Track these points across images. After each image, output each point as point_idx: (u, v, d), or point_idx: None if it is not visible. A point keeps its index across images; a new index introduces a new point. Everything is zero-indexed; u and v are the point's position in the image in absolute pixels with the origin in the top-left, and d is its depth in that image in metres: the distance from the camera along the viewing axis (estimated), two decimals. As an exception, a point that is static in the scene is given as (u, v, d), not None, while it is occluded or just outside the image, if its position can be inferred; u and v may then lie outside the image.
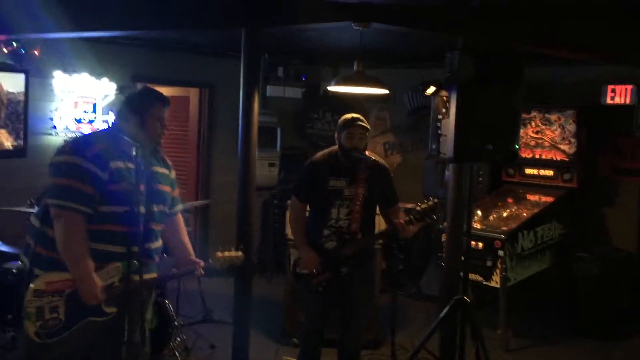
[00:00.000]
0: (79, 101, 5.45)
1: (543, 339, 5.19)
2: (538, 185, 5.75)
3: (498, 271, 4.93)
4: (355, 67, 4.40)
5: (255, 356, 4.02)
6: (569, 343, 5.15)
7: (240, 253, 3.03)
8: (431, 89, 4.09)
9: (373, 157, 3.68)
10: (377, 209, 3.78)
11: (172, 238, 3.05)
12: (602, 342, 5.13)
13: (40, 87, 5.31)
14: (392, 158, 7.08)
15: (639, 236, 5.58)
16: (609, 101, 5.50)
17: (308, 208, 3.81)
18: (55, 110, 5.38)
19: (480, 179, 5.83)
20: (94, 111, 5.53)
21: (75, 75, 5.39)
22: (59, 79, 5.32)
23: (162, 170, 2.94)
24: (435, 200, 3.64)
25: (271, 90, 6.69)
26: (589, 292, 5.22)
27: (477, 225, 5.10)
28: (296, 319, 4.63)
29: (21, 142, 5.25)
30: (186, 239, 3.09)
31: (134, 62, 5.98)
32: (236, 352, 3.80)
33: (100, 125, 5.51)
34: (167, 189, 2.95)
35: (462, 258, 3.81)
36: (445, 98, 5.31)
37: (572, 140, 5.51)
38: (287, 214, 4.22)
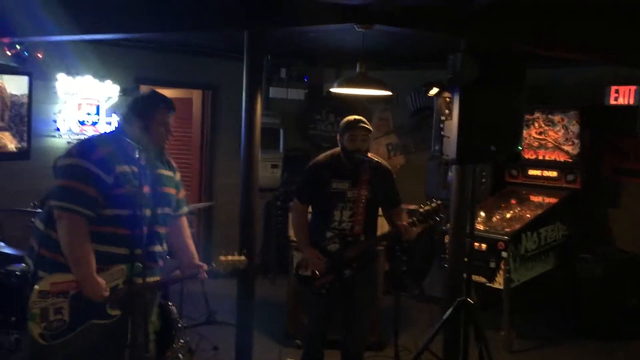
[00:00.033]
0: (83, 103, 5.46)
1: (547, 340, 5.18)
2: (541, 186, 5.74)
3: (501, 272, 4.92)
4: (357, 69, 4.41)
5: (259, 358, 4.03)
6: (573, 344, 5.14)
7: (243, 257, 3.03)
8: (434, 90, 4.08)
9: (376, 159, 3.68)
10: (380, 210, 3.78)
11: (176, 241, 3.04)
12: (605, 343, 5.12)
13: (43, 89, 5.33)
14: (395, 159, 7.08)
15: (643, 237, 5.57)
16: (612, 102, 5.50)
17: (310, 210, 3.81)
18: (59, 112, 5.39)
19: (484, 180, 5.82)
20: (97, 113, 5.54)
21: (78, 78, 5.40)
22: (63, 82, 5.34)
23: (167, 172, 2.94)
24: (438, 202, 3.64)
25: (274, 92, 6.69)
26: (592, 293, 5.21)
27: (480, 227, 5.09)
28: (299, 320, 4.63)
29: (25, 144, 5.26)
30: (190, 242, 3.09)
31: (137, 64, 5.99)
32: (239, 353, 3.81)
33: (103, 127, 5.53)
34: (172, 191, 2.95)
35: (465, 259, 3.80)
36: (448, 99, 5.31)
37: (576, 141, 5.49)
38: (290, 216, 4.22)
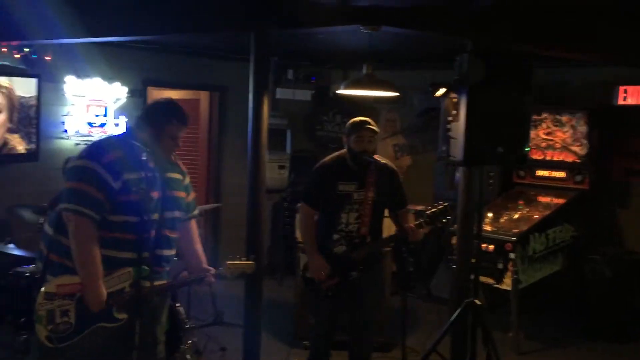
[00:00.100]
0: (91, 105, 5.49)
1: (555, 342, 5.16)
2: (549, 187, 5.71)
3: (509, 274, 4.91)
4: (364, 71, 4.40)
5: (266, 359, 4.03)
6: (581, 345, 5.12)
7: (251, 262, 3.03)
8: (441, 91, 4.09)
9: (382, 160, 3.67)
10: (386, 211, 3.78)
11: (184, 244, 3.03)
12: (614, 344, 5.09)
13: (52, 91, 5.36)
14: (402, 160, 7.07)
15: (652, 238, 5.54)
16: (621, 102, 5.47)
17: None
18: (67, 114, 5.43)
19: (491, 180, 5.80)
20: (106, 115, 5.57)
21: (87, 80, 5.43)
22: (71, 84, 5.37)
23: (176, 176, 2.94)
24: (445, 203, 3.63)
25: (281, 93, 6.70)
26: (601, 294, 5.19)
27: (487, 228, 5.07)
28: (307, 321, 4.63)
29: (33, 146, 5.29)
30: (198, 246, 3.08)
31: (145, 66, 6.02)
32: (247, 354, 3.82)
33: (111, 129, 5.55)
34: (181, 194, 2.95)
35: (473, 261, 3.79)
36: (454, 100, 5.31)
37: (584, 141, 5.47)
38: (297, 217, 4.22)
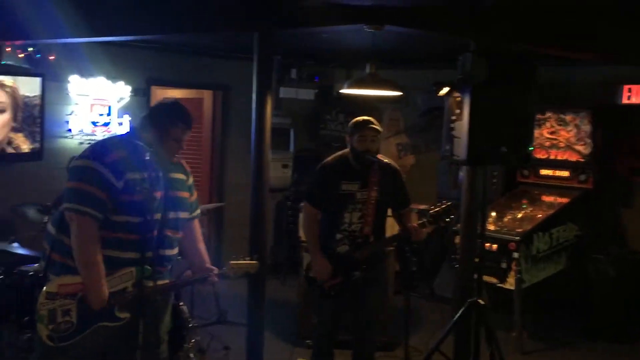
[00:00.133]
0: (95, 104, 5.51)
1: (558, 341, 5.16)
2: (553, 186, 5.70)
3: (513, 273, 4.90)
4: (367, 70, 4.40)
5: (269, 358, 4.03)
6: (585, 345, 5.10)
7: (255, 262, 3.03)
8: (444, 90, 4.08)
9: (385, 160, 3.67)
10: (389, 211, 3.78)
11: (187, 243, 3.03)
12: (617, 344, 5.08)
13: (56, 90, 5.37)
14: (405, 159, 7.07)
15: (656, 238, 5.53)
16: (625, 101, 5.45)
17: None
18: (71, 113, 5.44)
19: (495, 180, 5.80)
20: (109, 114, 5.59)
21: (90, 79, 5.45)
22: (75, 83, 5.38)
23: (179, 176, 2.94)
24: (449, 202, 3.63)
25: (284, 92, 6.70)
26: (604, 294, 5.18)
27: (491, 227, 5.06)
28: (310, 321, 4.63)
29: (37, 145, 5.31)
30: (202, 246, 3.08)
31: (149, 65, 6.03)
32: (250, 353, 3.82)
33: (115, 128, 5.56)
34: (185, 194, 2.95)
35: (477, 260, 3.79)
36: (458, 99, 5.30)
37: (588, 140, 5.46)
38: (301, 216, 4.22)
